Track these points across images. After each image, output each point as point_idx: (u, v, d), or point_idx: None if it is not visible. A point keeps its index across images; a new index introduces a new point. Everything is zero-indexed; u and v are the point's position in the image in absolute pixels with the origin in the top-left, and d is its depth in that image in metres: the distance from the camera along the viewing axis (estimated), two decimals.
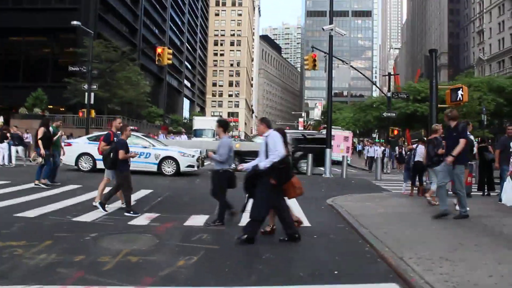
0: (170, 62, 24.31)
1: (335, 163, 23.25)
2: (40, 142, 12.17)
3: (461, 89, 12.70)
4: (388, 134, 31.13)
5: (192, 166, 16.71)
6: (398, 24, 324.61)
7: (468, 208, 8.65)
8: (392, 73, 31.47)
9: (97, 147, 16.45)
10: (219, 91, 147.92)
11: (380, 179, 19.57)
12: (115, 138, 9.57)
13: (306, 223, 8.59)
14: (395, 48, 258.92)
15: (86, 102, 29.35)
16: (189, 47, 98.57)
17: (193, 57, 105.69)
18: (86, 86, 29.42)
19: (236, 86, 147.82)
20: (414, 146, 13.47)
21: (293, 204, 10.97)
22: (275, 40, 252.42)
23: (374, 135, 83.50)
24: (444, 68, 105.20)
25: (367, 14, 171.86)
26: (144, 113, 50.70)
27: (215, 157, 8.14)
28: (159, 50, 23.45)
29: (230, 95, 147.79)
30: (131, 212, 8.83)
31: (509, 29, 75.77)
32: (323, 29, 20.01)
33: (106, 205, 9.03)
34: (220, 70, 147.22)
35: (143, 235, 7.10)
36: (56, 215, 8.42)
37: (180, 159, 16.50)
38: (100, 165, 16.58)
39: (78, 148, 16.93)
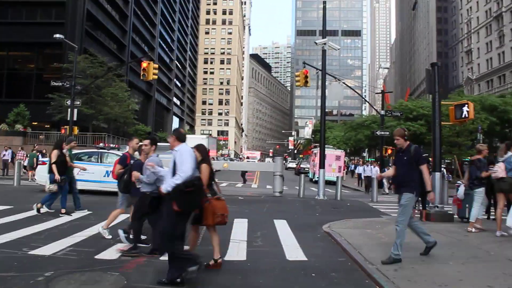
0: (155, 77, 23.23)
1: (327, 183, 22.23)
2: (54, 166, 10.74)
3: (466, 105, 11.77)
4: (382, 153, 30.20)
5: None
6: (387, 43, 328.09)
7: (400, 252, 6.65)
8: (385, 91, 30.70)
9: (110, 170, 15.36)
10: (209, 109, 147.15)
11: (376, 201, 18.51)
12: (131, 161, 8.42)
13: (301, 256, 7.47)
14: (384, 68, 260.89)
15: (69, 118, 28.15)
16: (178, 64, 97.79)
17: (183, 75, 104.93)
18: (69, 102, 28.27)
19: (226, 104, 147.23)
20: None
21: (286, 232, 9.92)
22: (265, 59, 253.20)
23: (364, 154, 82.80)
24: None
25: (356, 33, 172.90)
26: (131, 130, 49.47)
27: (142, 178, 7.16)
28: (144, 64, 22.37)
29: (220, 113, 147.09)
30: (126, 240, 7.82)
31: (497, 49, 76.04)
32: (315, 43, 19.15)
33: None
34: (210, 88, 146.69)
35: (108, 274, 5.93)
36: (11, 247, 7.20)
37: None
38: (78, 186, 15.44)
39: None
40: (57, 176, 10.68)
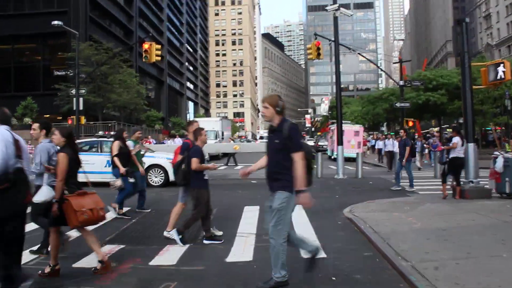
0: (158, 58, 21.96)
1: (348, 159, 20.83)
2: (116, 159, 9.27)
3: (502, 65, 10.30)
4: (402, 125, 28.67)
5: None
6: (401, 14, 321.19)
7: (285, 272, 4.64)
8: (403, 60, 29.05)
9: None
10: (223, 91, 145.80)
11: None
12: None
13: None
14: (399, 40, 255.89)
15: (75, 108, 27.21)
16: (189, 48, 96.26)
17: (194, 58, 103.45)
18: (81, 92, 27.31)
19: (240, 85, 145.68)
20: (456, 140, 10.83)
21: (302, 220, 8.68)
22: (277, 38, 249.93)
23: (382, 128, 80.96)
24: (451, 56, 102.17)
25: (368, 6, 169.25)
26: (143, 117, 48.54)
27: (32, 169, 5.86)
28: (145, 46, 21.13)
29: (234, 95, 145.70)
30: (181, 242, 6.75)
31: None
32: (326, 10, 17.72)
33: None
34: (223, 70, 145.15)
35: None
36: None
37: (169, 166, 14.15)
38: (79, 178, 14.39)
39: None
40: (122, 169, 9.17)
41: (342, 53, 22.74)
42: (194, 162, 6.62)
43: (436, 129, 60.56)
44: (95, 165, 14.18)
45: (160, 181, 14.17)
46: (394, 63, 41.94)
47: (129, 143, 9.86)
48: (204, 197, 6.82)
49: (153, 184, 14.17)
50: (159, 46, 21.85)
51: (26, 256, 6.25)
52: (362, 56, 24.97)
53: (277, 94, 4.94)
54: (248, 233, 7.52)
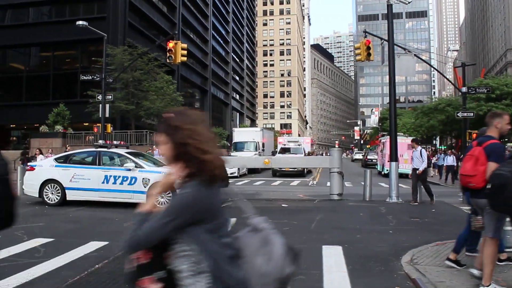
0: (184, 59, 19.48)
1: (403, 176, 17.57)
2: None
3: None
4: (465, 138, 25.08)
5: None
6: (455, 25, 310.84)
7: None
8: (467, 63, 25.46)
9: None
10: (271, 102, 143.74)
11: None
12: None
13: None
14: (453, 50, 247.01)
15: (101, 115, 25.25)
16: (235, 57, 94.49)
17: (240, 68, 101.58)
18: (107, 98, 25.41)
19: (288, 96, 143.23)
20: None
21: (337, 276, 5.68)
22: (327, 49, 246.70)
23: (435, 142, 76.21)
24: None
25: (422, 14, 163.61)
26: None
27: None
28: (170, 45, 18.72)
29: (282, 106, 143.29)
30: None
31: None
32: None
33: None
34: (270, 81, 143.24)
35: None
36: None
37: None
38: (71, 196, 11.95)
39: (42, 173, 12.25)
40: None
41: (396, 54, 19.70)
42: None
43: None
44: (91, 180, 11.73)
45: (167, 201, 11.48)
46: (456, 67, 37.50)
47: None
48: None
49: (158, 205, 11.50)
50: (185, 45, 19.39)
51: None
52: (418, 57, 21.71)
53: None
54: None
